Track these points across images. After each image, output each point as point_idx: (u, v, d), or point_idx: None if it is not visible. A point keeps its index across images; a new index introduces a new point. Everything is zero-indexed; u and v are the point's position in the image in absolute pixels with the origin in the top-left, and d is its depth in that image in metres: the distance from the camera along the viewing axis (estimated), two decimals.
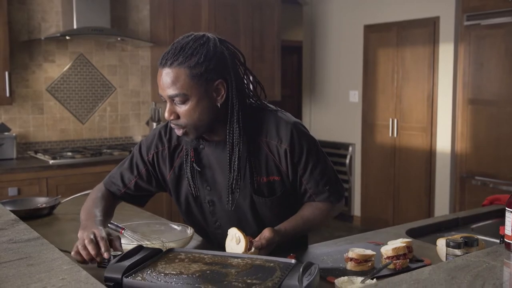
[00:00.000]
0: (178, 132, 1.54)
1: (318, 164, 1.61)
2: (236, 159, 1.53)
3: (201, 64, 1.44)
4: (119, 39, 4.32)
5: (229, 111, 1.52)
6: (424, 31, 4.88)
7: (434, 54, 4.82)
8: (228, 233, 1.49)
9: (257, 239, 1.47)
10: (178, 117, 1.49)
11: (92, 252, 1.37)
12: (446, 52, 4.74)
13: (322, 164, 1.62)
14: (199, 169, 1.62)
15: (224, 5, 4.85)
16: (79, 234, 1.46)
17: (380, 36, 5.27)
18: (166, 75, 1.46)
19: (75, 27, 4.01)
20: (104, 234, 1.41)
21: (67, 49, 4.33)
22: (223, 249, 1.50)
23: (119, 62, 4.62)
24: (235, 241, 1.44)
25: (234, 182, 1.56)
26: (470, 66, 4.58)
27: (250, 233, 1.51)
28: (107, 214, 1.65)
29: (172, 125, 1.54)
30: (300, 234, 1.64)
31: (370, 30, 5.37)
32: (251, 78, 1.61)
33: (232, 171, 1.55)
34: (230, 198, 1.59)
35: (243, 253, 1.41)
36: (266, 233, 1.49)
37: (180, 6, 4.57)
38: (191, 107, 1.47)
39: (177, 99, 1.47)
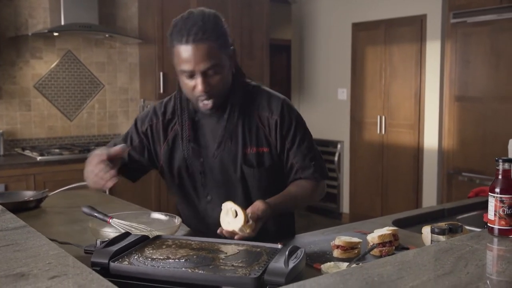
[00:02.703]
0: (208, 104, 1.59)
1: (305, 138, 1.70)
2: (234, 121, 1.63)
3: (223, 35, 1.57)
4: (107, 36, 4.31)
5: (233, 78, 1.63)
6: (411, 29, 4.92)
7: (421, 52, 4.86)
8: (222, 207, 1.47)
9: (249, 210, 1.48)
10: (210, 88, 1.56)
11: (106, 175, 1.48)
12: (433, 50, 4.78)
13: (308, 140, 1.72)
14: (194, 146, 1.67)
15: (212, 2, 4.83)
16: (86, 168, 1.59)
17: (368, 34, 5.31)
18: (197, 50, 1.51)
19: (62, 23, 3.99)
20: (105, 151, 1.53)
21: (55, 45, 4.31)
22: (214, 225, 1.50)
23: (107, 59, 4.61)
24: (231, 215, 1.43)
25: (223, 141, 1.65)
26: (457, 63, 4.62)
27: None
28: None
29: (202, 100, 1.58)
30: (286, 211, 1.71)
31: (358, 28, 5.40)
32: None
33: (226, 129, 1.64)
34: (217, 153, 1.66)
35: (242, 226, 1.40)
36: (260, 205, 1.51)
37: (169, 3, 4.57)
38: (223, 76, 1.57)
39: (211, 71, 1.54)
